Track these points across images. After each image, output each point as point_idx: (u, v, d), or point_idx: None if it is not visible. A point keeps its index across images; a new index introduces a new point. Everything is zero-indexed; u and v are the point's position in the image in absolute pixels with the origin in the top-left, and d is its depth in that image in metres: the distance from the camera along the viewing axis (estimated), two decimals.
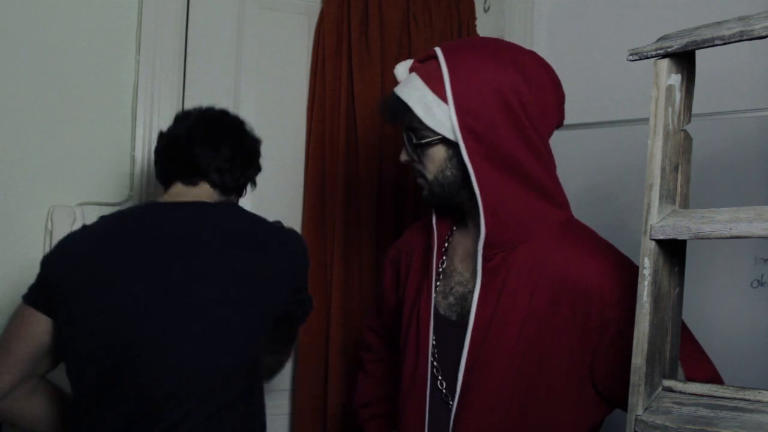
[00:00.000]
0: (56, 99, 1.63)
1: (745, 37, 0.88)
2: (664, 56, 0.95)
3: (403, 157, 1.32)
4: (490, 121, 1.19)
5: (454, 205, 1.32)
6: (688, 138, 1.01)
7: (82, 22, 1.68)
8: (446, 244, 1.37)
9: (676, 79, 0.96)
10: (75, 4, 1.67)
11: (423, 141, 1.25)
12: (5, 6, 1.57)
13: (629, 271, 1.18)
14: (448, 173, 1.25)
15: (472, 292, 1.27)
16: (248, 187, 1.52)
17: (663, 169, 0.95)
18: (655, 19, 1.95)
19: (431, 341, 1.32)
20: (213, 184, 1.41)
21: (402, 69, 1.31)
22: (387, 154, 2.09)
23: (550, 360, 1.19)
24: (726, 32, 0.89)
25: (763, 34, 0.87)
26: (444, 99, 1.21)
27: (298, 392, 2.03)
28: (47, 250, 1.58)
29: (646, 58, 0.96)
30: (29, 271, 1.58)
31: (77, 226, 1.60)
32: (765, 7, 0.97)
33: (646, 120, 0.96)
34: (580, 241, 1.23)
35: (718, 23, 0.93)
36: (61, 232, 1.58)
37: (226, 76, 1.96)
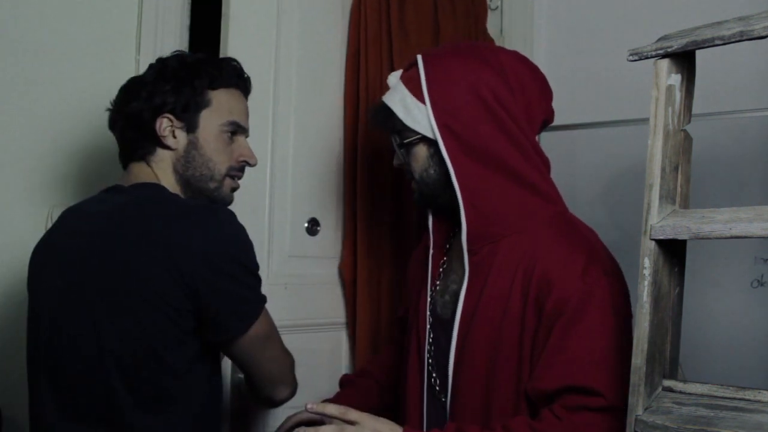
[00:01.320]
0: (56, 99, 1.63)
1: (745, 37, 0.88)
2: (664, 56, 0.95)
3: (396, 160, 1.36)
4: (468, 119, 1.24)
5: (444, 205, 1.33)
6: (688, 138, 1.01)
7: (82, 22, 1.68)
8: (448, 245, 1.38)
9: (676, 79, 0.96)
10: (75, 4, 1.67)
11: (405, 141, 1.30)
12: (5, 6, 1.57)
13: (598, 269, 1.18)
14: (431, 171, 1.30)
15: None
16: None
17: (663, 169, 0.95)
18: (655, 19, 1.95)
19: (427, 341, 1.33)
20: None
21: (393, 79, 1.38)
22: None
23: (527, 357, 1.18)
24: (726, 32, 0.89)
25: (763, 34, 0.87)
26: (422, 100, 1.27)
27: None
28: None
29: (646, 58, 0.96)
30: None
31: None
32: (765, 7, 0.97)
33: (646, 120, 0.96)
34: (563, 235, 1.24)
35: (718, 23, 0.93)
36: None
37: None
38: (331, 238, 1.99)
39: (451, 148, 1.24)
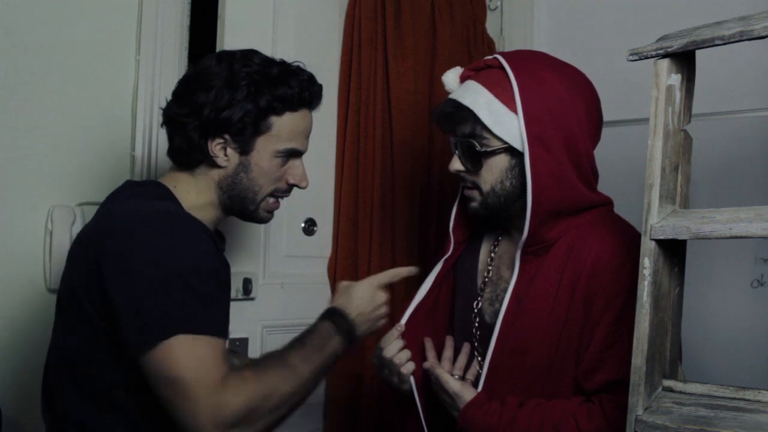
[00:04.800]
0: (56, 99, 1.63)
1: (745, 37, 0.88)
2: (664, 56, 0.95)
3: (456, 166, 1.28)
4: (552, 131, 1.20)
5: (501, 217, 1.32)
6: (688, 138, 1.01)
7: (82, 22, 1.67)
8: (492, 254, 1.38)
9: (676, 79, 0.96)
10: (75, 4, 1.67)
11: (489, 149, 1.23)
12: (5, 6, 1.57)
13: None
14: (507, 183, 1.24)
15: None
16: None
17: (663, 169, 0.95)
18: (655, 19, 1.94)
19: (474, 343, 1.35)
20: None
21: (453, 76, 1.31)
22: (418, 150, 2.04)
23: (568, 354, 1.20)
24: (726, 32, 0.89)
25: (763, 34, 0.87)
26: (511, 108, 1.20)
27: (329, 404, 1.96)
28: (47, 250, 1.58)
29: (646, 58, 0.96)
30: (29, 271, 1.58)
31: (77, 226, 1.59)
32: (765, 7, 0.97)
33: (646, 120, 0.96)
34: (612, 232, 1.25)
35: (718, 23, 0.93)
36: (61, 232, 1.57)
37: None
38: (327, 238, 2.00)
39: (536, 160, 1.19)
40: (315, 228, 1.98)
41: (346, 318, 1.24)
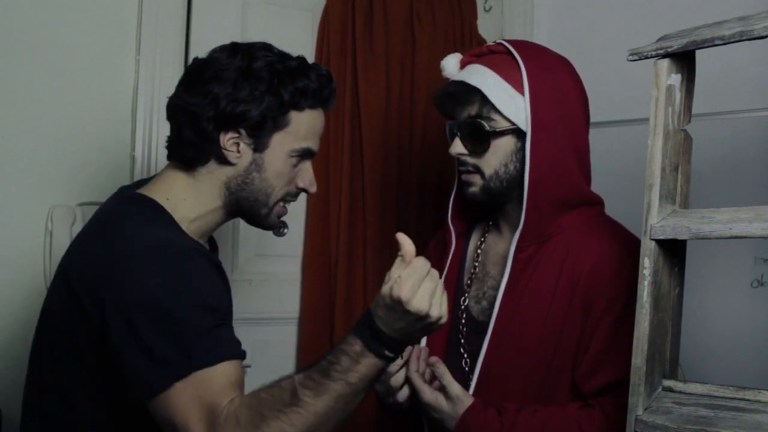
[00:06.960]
0: (56, 99, 1.63)
1: (745, 37, 0.88)
2: (664, 56, 0.95)
3: (458, 149, 1.25)
4: (557, 118, 1.21)
5: (498, 205, 1.31)
6: (688, 138, 1.01)
7: (82, 22, 1.68)
8: (479, 251, 1.37)
9: (676, 79, 0.96)
10: (75, 4, 1.67)
11: (497, 130, 1.22)
12: (5, 6, 1.57)
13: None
14: (511, 167, 1.24)
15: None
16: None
17: (663, 169, 0.95)
18: (655, 19, 1.94)
19: (461, 343, 1.33)
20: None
21: (453, 62, 1.30)
22: (391, 153, 2.08)
23: (566, 356, 1.19)
24: (726, 32, 0.89)
25: (763, 34, 0.87)
26: (519, 90, 1.20)
27: None
28: (47, 250, 1.58)
29: (646, 58, 0.96)
30: (29, 272, 1.58)
31: (77, 226, 1.59)
32: (765, 7, 0.97)
33: (646, 120, 0.96)
34: (610, 234, 1.25)
35: (718, 23, 0.93)
36: (61, 232, 1.58)
37: None
38: (298, 237, 2.04)
39: (537, 144, 1.19)
40: (285, 230, 2.02)
41: (380, 331, 0.96)
